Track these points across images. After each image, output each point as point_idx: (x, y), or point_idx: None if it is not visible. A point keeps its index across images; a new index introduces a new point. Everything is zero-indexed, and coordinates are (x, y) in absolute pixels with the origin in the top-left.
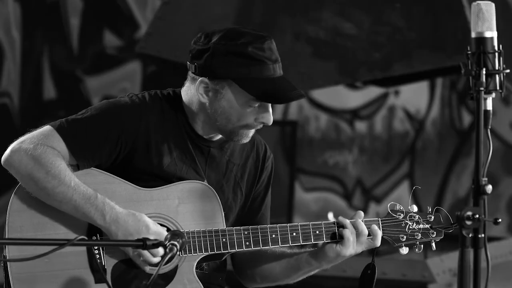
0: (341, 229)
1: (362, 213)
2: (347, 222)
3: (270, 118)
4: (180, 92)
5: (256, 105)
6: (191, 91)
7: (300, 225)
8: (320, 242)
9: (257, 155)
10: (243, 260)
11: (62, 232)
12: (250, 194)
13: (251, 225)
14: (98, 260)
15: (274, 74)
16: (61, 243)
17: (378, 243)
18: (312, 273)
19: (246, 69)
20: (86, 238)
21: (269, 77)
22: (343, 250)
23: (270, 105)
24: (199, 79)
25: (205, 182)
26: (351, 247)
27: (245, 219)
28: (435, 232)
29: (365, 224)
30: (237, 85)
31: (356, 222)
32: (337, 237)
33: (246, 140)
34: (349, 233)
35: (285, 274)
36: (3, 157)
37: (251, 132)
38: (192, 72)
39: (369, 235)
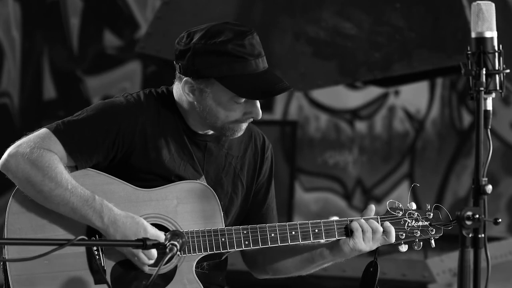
0: (352, 222)
1: (373, 207)
2: (361, 220)
3: (258, 112)
4: (173, 89)
5: (242, 100)
6: (180, 90)
7: (299, 224)
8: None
9: (256, 147)
10: (254, 252)
11: (61, 234)
12: (252, 186)
13: (258, 217)
14: (98, 261)
15: (257, 69)
16: (61, 243)
17: (393, 239)
18: (325, 265)
19: (227, 67)
20: (86, 238)
21: (252, 73)
22: (357, 243)
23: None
24: (184, 79)
25: (204, 182)
26: (365, 241)
27: (251, 212)
28: (434, 229)
29: (369, 222)
30: (220, 84)
31: (369, 221)
32: (337, 235)
33: (239, 133)
34: (357, 225)
35: (298, 267)
36: (0, 162)
37: (243, 125)
38: (178, 72)
39: None
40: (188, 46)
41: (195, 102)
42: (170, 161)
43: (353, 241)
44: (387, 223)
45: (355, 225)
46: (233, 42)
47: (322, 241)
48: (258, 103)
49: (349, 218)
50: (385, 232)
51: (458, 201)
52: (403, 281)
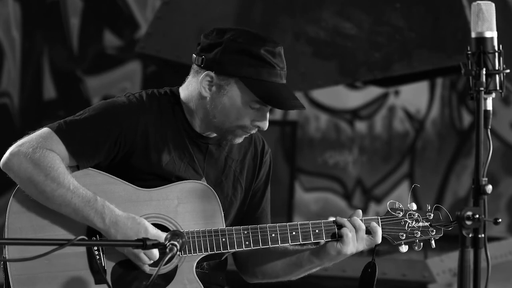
0: (341, 227)
1: (360, 211)
2: (344, 220)
3: (266, 123)
4: (177, 90)
5: (257, 107)
6: (192, 86)
7: (300, 224)
8: (322, 241)
9: (255, 150)
10: (244, 256)
11: (61, 234)
12: (249, 189)
13: (252, 220)
14: (98, 261)
15: (280, 80)
16: (61, 243)
17: (379, 240)
18: (313, 270)
19: (255, 70)
20: (86, 238)
21: (275, 82)
22: (344, 247)
23: (268, 111)
24: (205, 73)
25: (204, 182)
26: (351, 244)
27: (246, 215)
28: (434, 230)
29: (365, 222)
30: (243, 84)
31: (352, 219)
32: (337, 236)
33: (239, 140)
34: (347, 231)
35: (287, 271)
36: (2, 161)
37: (246, 134)
38: (197, 65)
39: (369, 233)
40: (220, 40)
41: (208, 98)
42: (170, 163)
43: (340, 245)
44: (374, 223)
45: (345, 231)
46: (266, 47)
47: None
48: (268, 115)
49: (336, 218)
50: (372, 232)
51: (458, 201)
52: (403, 281)
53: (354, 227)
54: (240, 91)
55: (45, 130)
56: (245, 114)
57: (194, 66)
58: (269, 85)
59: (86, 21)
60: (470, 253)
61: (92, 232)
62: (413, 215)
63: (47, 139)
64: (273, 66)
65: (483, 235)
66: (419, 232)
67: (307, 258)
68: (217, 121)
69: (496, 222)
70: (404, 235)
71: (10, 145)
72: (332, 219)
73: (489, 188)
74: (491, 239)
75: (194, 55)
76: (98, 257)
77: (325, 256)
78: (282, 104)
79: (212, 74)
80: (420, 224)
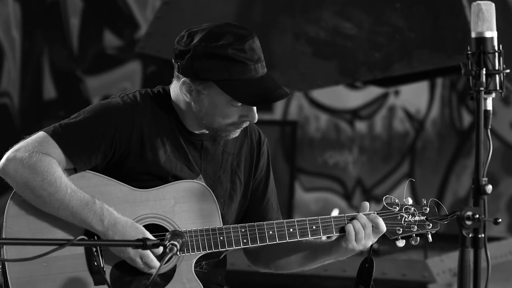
0: (347, 224)
1: (367, 204)
2: (353, 221)
3: (254, 116)
4: (169, 89)
5: (239, 104)
6: (177, 88)
7: (297, 221)
8: (332, 235)
9: (251, 142)
10: (256, 249)
11: (59, 236)
12: (249, 182)
13: (259, 213)
14: (95, 263)
15: (256, 74)
16: (61, 243)
17: (384, 228)
18: (327, 262)
19: (226, 71)
20: (86, 238)
21: (251, 78)
22: (348, 244)
23: None
24: (182, 79)
25: (200, 180)
26: (354, 242)
27: (251, 208)
28: (431, 224)
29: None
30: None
31: (359, 216)
32: (335, 232)
33: (234, 135)
34: (350, 227)
35: (301, 263)
36: None
37: (239, 129)
38: (177, 71)
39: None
40: (188, 47)
41: (192, 103)
42: (167, 162)
43: (345, 243)
44: (373, 215)
45: (348, 227)
46: (233, 46)
47: (324, 238)
48: (254, 107)
49: (346, 215)
50: (374, 224)
51: (458, 201)
52: (403, 281)
53: (361, 224)
54: (217, 94)
55: (40, 134)
56: (231, 112)
57: (175, 71)
58: (244, 83)
59: (86, 21)
60: (470, 253)
61: (89, 235)
62: (409, 209)
63: (43, 143)
64: (244, 63)
65: (483, 235)
66: (415, 226)
67: (322, 251)
68: (206, 122)
69: (496, 222)
70: (401, 229)
71: (10, 145)
72: (335, 213)
73: (489, 188)
74: (491, 239)
75: (173, 60)
76: (96, 258)
77: (337, 250)
78: (261, 99)
79: (188, 80)
80: (417, 218)
